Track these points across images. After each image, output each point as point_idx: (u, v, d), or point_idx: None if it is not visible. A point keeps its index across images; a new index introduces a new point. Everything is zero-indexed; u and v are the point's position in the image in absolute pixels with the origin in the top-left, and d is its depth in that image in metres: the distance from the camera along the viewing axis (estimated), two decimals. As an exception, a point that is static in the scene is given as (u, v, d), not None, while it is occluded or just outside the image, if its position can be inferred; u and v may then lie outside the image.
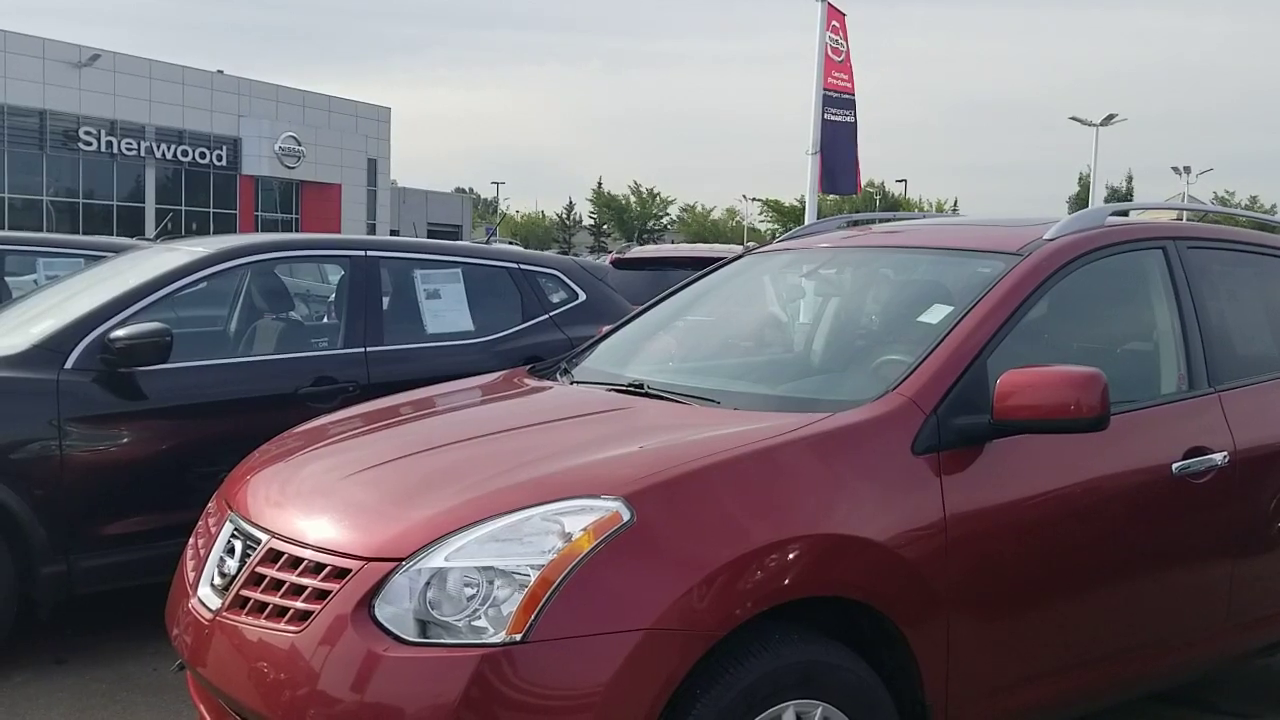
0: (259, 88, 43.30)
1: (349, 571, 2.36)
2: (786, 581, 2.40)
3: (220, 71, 42.37)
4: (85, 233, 29.74)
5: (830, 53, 11.08)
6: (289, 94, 44.57)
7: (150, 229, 34.59)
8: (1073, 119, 39.79)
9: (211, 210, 41.35)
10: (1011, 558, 2.76)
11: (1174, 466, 3.08)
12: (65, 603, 4.12)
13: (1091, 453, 2.92)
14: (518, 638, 2.19)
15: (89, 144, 37.85)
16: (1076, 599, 2.92)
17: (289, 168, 43.18)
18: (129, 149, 38.84)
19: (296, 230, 41.13)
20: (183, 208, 39.83)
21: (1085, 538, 2.92)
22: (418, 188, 58.33)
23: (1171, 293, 3.37)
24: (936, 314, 3.09)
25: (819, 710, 2.44)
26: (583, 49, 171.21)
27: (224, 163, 41.81)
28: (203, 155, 40.96)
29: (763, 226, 68.91)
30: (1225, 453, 3.19)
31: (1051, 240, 3.20)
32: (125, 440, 4.23)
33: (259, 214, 43.14)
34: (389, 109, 49.58)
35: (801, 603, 2.44)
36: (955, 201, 70.25)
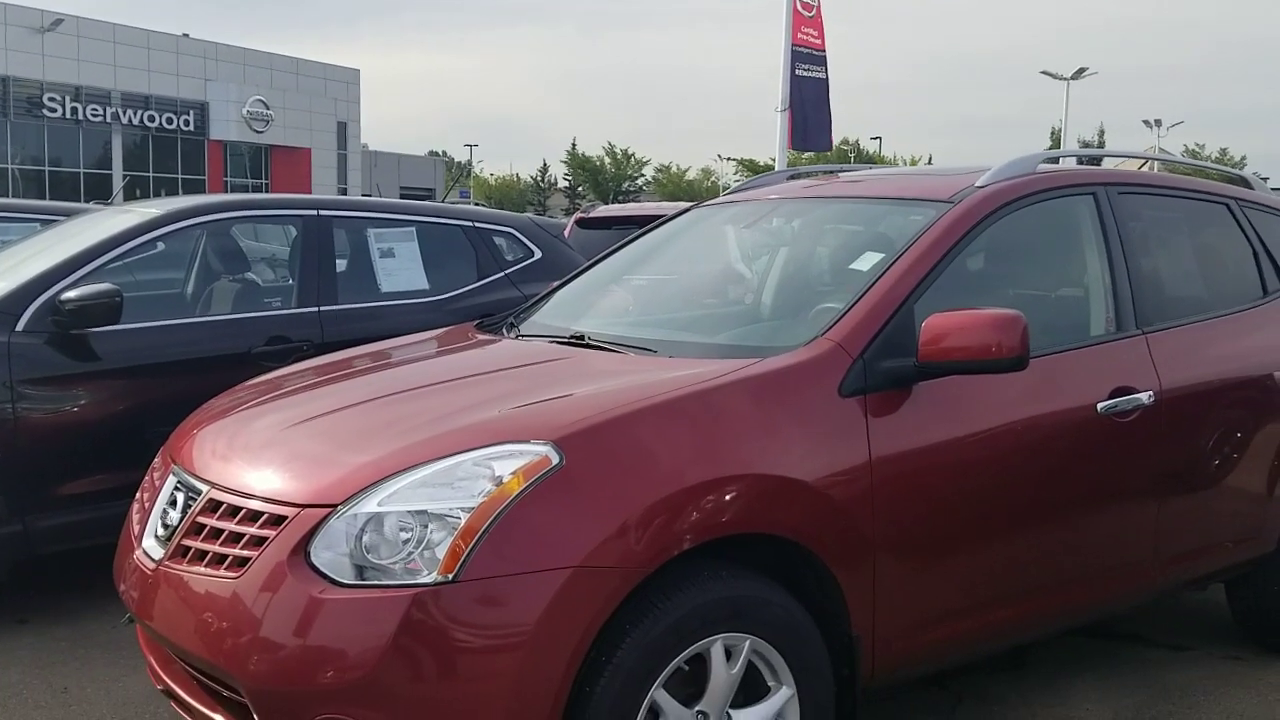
0: (226, 51, 42.77)
1: (285, 518, 2.41)
2: (714, 520, 2.47)
3: (186, 35, 41.82)
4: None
5: (800, 8, 11.06)
6: (256, 57, 44.06)
7: (118, 196, 34.23)
8: (1044, 73, 39.85)
9: (180, 176, 40.96)
10: (937, 496, 2.85)
11: (1099, 406, 3.17)
12: (27, 564, 4.17)
13: (1016, 393, 3.00)
14: (449, 577, 2.25)
15: (54, 110, 37.35)
16: (1001, 536, 3.01)
17: (258, 132, 42.77)
18: (94, 115, 38.36)
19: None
20: (150, 174, 39.44)
21: (1011, 475, 3.00)
22: (389, 151, 57.84)
23: (1101, 237, 3.44)
24: (867, 261, 3.16)
25: (747, 643, 2.52)
26: (555, 9, 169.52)
27: (191, 128, 41.38)
28: (170, 120, 40.51)
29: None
30: (1151, 392, 3.28)
31: (982, 188, 3.27)
32: (78, 401, 4.26)
33: (228, 179, 42.76)
34: (358, 71, 49.11)
35: (731, 540, 2.52)
36: (930, 157, 70.19)
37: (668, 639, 2.40)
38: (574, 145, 74.54)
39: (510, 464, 2.36)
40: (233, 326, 4.73)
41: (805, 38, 11.12)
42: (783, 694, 2.60)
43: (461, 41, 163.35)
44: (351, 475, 2.43)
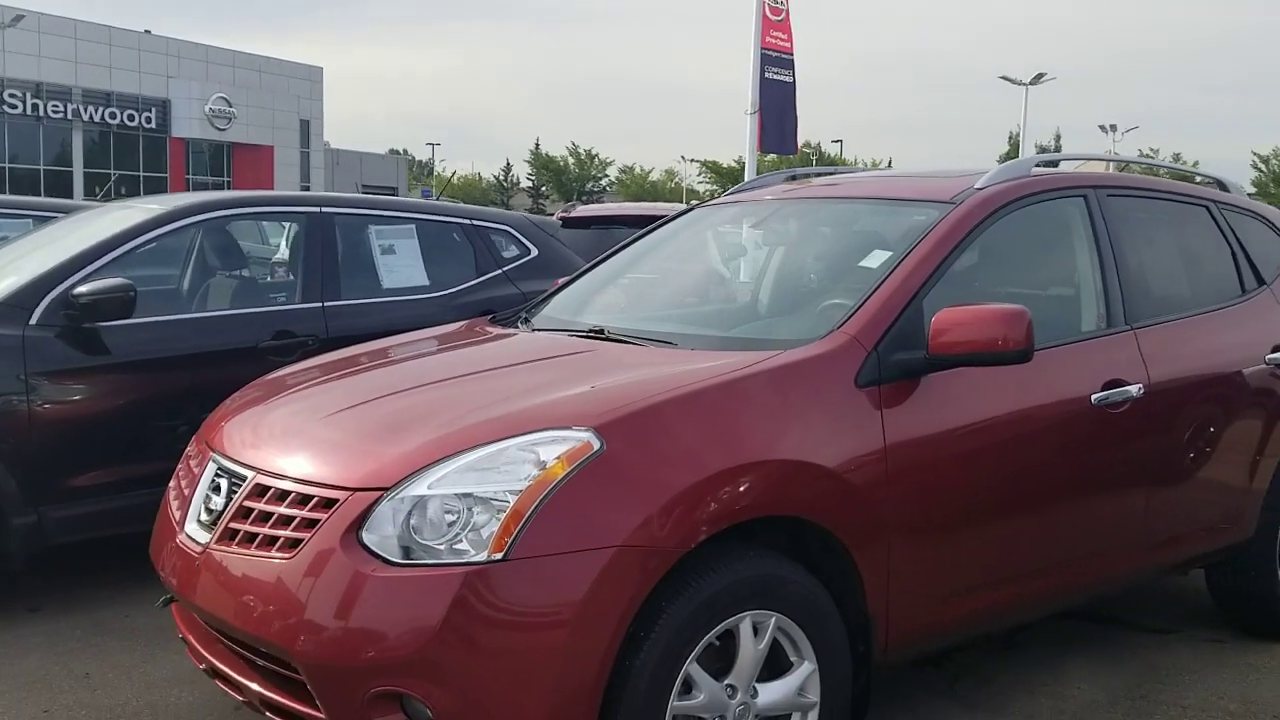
0: (188, 48, 42.41)
1: (336, 501, 2.51)
2: (743, 503, 2.60)
3: (148, 31, 41.39)
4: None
5: (769, 11, 11.21)
6: (219, 54, 43.71)
7: (78, 193, 33.86)
8: (1003, 78, 40.39)
9: (141, 174, 40.54)
10: (946, 481, 3.00)
11: (1093, 397, 3.34)
12: (38, 554, 4.22)
13: (1019, 385, 3.16)
14: (498, 557, 2.36)
15: (14, 107, 36.87)
16: (1006, 519, 3.17)
17: (220, 129, 42.44)
18: (55, 111, 37.91)
19: (230, 194, 40.40)
20: (111, 171, 38.99)
21: (1013, 462, 3.17)
22: (351, 149, 57.56)
23: (1092, 237, 3.62)
24: (876, 259, 3.31)
25: (773, 620, 2.66)
26: (515, 6, 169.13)
27: (153, 125, 40.98)
28: (131, 118, 40.11)
29: (701, 187, 69.04)
30: (1140, 385, 3.45)
31: (981, 189, 3.43)
32: (91, 394, 4.33)
33: (190, 177, 42.40)
34: (321, 69, 48.86)
35: (757, 522, 2.65)
36: (890, 160, 70.87)
37: (701, 615, 2.53)
38: (537, 145, 74.70)
39: (554, 449, 2.47)
40: (241, 321, 4.80)
41: (774, 41, 11.25)
42: (805, 669, 2.73)
43: (423, 38, 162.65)
44: (401, 460, 2.53)
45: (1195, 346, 3.77)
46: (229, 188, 43.09)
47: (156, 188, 40.03)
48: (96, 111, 39.02)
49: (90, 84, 38.76)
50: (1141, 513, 3.54)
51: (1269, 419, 3.90)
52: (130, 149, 40.71)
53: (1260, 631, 4.09)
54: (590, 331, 3.38)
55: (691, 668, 2.54)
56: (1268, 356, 3.92)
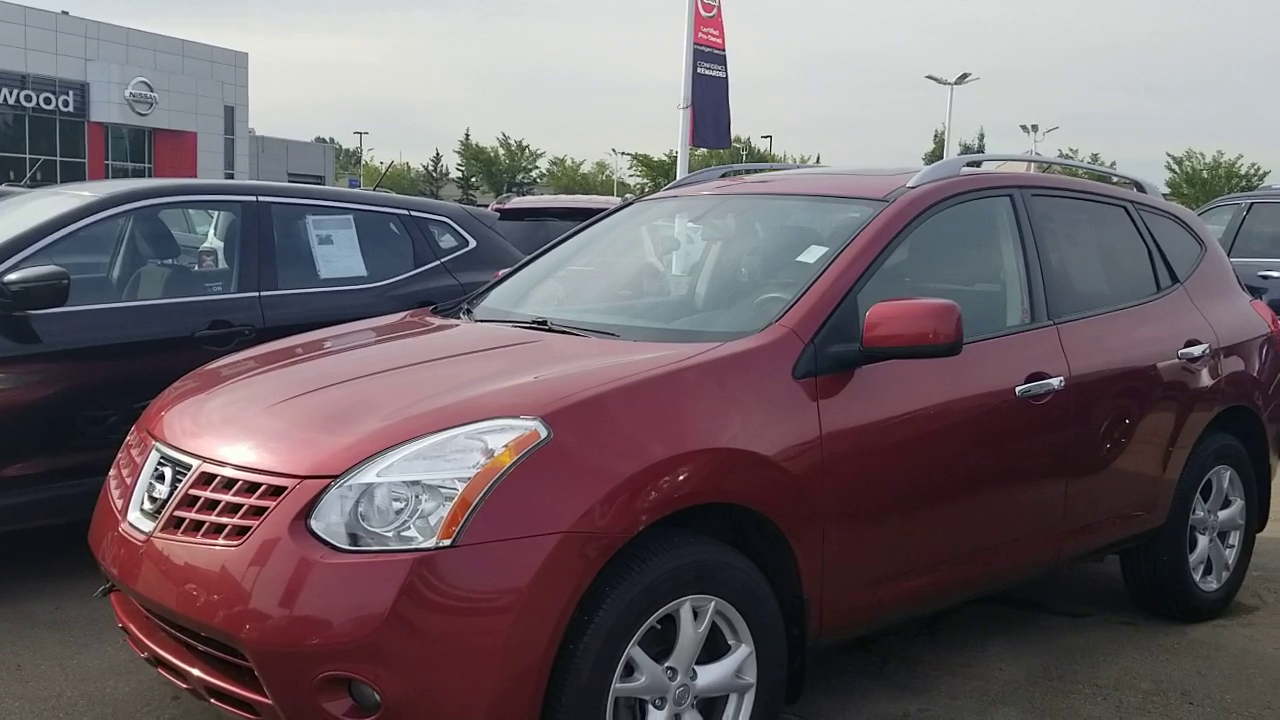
0: (108, 30, 41.28)
1: (284, 489, 2.54)
2: (685, 490, 2.68)
3: (65, 13, 40.21)
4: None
5: (701, 8, 11.32)
6: (140, 37, 42.60)
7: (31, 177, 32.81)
8: (929, 78, 41.10)
9: (58, 159, 39.37)
10: (879, 469, 3.11)
11: (1017, 389, 3.47)
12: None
13: (948, 377, 3.28)
14: (446, 543, 2.41)
15: (-78, 88, 35.62)
16: (934, 506, 3.29)
17: (141, 115, 41.40)
18: (-33, 93, 36.72)
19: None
20: (27, 155, 37.84)
21: (942, 451, 3.29)
22: (277, 137, 56.55)
23: (1017, 235, 3.76)
24: (813, 254, 3.41)
25: (712, 604, 2.74)
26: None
27: (71, 109, 39.84)
28: (48, 101, 38.95)
29: (632, 180, 69.17)
30: (1061, 377, 3.60)
31: (913, 188, 3.55)
32: (20, 383, 4.25)
33: (109, 163, 41.31)
34: (246, 55, 47.88)
35: (698, 509, 2.73)
36: (818, 157, 71.60)
37: (643, 600, 2.60)
38: (467, 135, 74.04)
39: (502, 438, 2.53)
40: (176, 310, 4.76)
41: (706, 37, 11.36)
42: (742, 651, 2.82)
43: (351, 25, 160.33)
44: (350, 448, 2.56)
45: (1113, 341, 3.93)
46: (150, 174, 42.10)
47: (74, 173, 38.96)
48: (11, 94, 37.84)
49: (4, 65, 37.53)
50: (1061, 500, 3.69)
51: (1181, 411, 4.09)
52: (47, 133, 39.54)
53: (1170, 614, 4.29)
54: (534, 322, 3.43)
55: (633, 651, 2.61)
56: (1180, 351, 4.11)
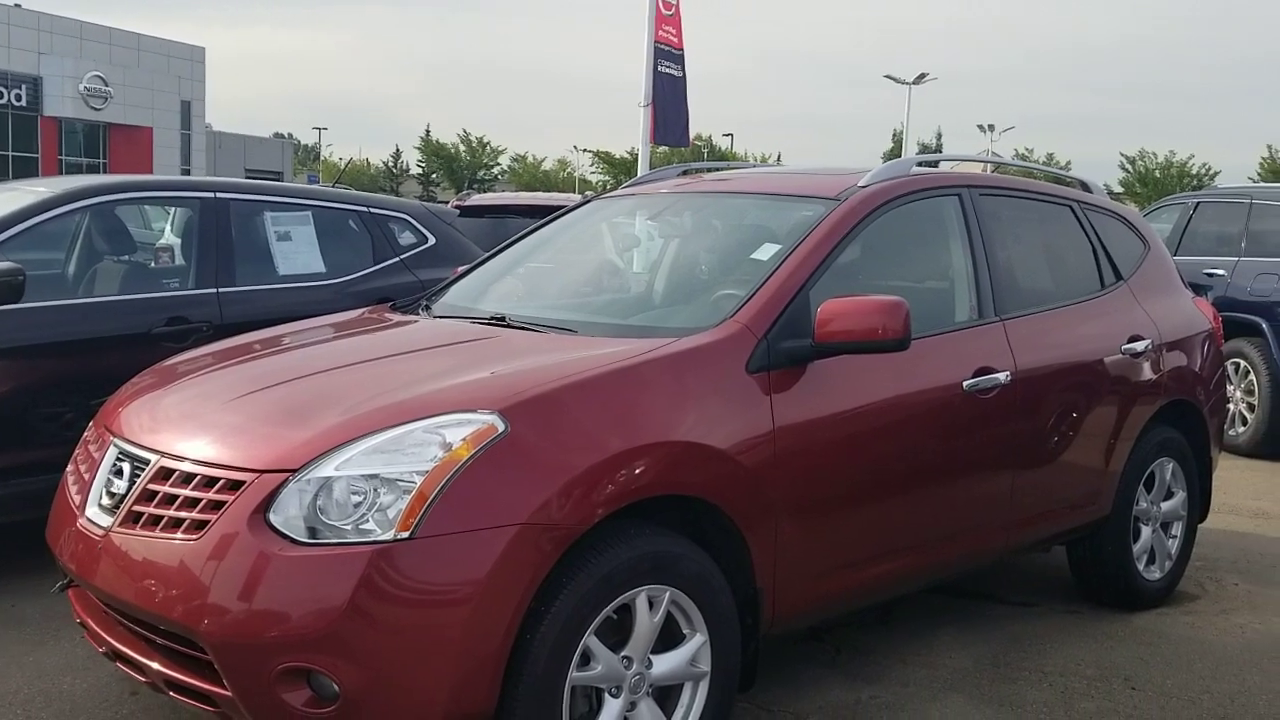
0: (61, 23, 40.64)
1: (243, 483, 2.56)
2: (640, 483, 2.73)
3: (18, 5, 39.56)
4: None
5: (662, 6, 11.40)
6: (94, 31, 41.99)
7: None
8: (887, 77, 41.44)
9: (10, 153, 38.74)
10: (830, 462, 3.18)
11: (965, 384, 3.56)
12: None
13: (897, 371, 3.36)
14: (405, 535, 2.44)
15: None
16: (884, 498, 3.37)
17: (95, 109, 40.81)
18: (-85, 86, 36.02)
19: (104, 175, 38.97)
20: (-23, 150, 37.25)
21: (892, 445, 3.37)
22: (235, 132, 56.00)
23: (965, 234, 3.85)
24: (767, 252, 3.48)
25: (667, 594, 2.79)
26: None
27: (23, 103, 39.17)
28: (0, 95, 38.33)
29: (594, 178, 69.09)
30: (1008, 372, 3.70)
31: (865, 187, 3.62)
32: (-26, 380, 4.24)
33: (63, 158, 40.66)
34: (203, 49, 47.32)
35: (654, 501, 2.79)
36: (779, 155, 71.90)
37: (599, 590, 2.65)
38: (428, 131, 73.54)
39: (460, 431, 2.57)
40: (133, 306, 4.74)
41: (666, 35, 11.46)
42: (697, 640, 2.88)
43: (310, 19, 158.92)
44: (308, 442, 2.59)
45: (1058, 337, 4.03)
46: (105, 170, 41.53)
47: (27, 168, 38.35)
48: (-39, 87, 37.26)
49: (-45, 58, 36.99)
50: (1009, 492, 3.79)
51: (1124, 405, 4.20)
52: (-1, 127, 38.93)
53: (1114, 602, 4.40)
54: (492, 318, 3.47)
55: (590, 640, 2.66)
56: (1124, 346, 4.22)
